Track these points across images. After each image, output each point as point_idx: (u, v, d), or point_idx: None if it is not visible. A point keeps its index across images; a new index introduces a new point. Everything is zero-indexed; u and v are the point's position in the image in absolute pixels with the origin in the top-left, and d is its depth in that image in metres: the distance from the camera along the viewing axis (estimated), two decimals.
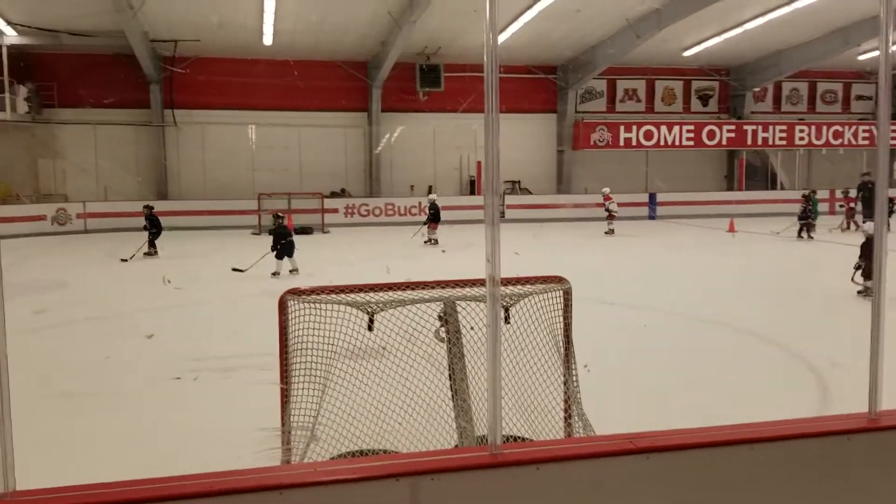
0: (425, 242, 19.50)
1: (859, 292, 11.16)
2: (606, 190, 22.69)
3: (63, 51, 23.02)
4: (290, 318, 4.20)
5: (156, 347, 8.59)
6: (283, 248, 14.00)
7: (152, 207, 17.30)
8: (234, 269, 14.32)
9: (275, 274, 13.90)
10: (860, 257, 11.28)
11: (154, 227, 16.83)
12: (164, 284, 12.60)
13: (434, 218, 19.73)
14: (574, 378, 4.39)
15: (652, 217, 27.65)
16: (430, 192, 25.20)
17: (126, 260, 15.93)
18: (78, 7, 19.63)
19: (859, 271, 11.19)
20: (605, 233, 21.88)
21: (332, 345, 4.16)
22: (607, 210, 22.14)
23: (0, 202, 21.85)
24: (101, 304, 11.80)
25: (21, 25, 21.07)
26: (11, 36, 21.22)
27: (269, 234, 14.76)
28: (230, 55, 25.00)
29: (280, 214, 14.79)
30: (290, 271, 14.12)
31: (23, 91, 22.66)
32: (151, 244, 16.77)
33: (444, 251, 17.56)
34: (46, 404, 6.53)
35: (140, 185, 24.93)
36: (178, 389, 7.03)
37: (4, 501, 2.13)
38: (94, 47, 22.87)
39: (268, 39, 23.06)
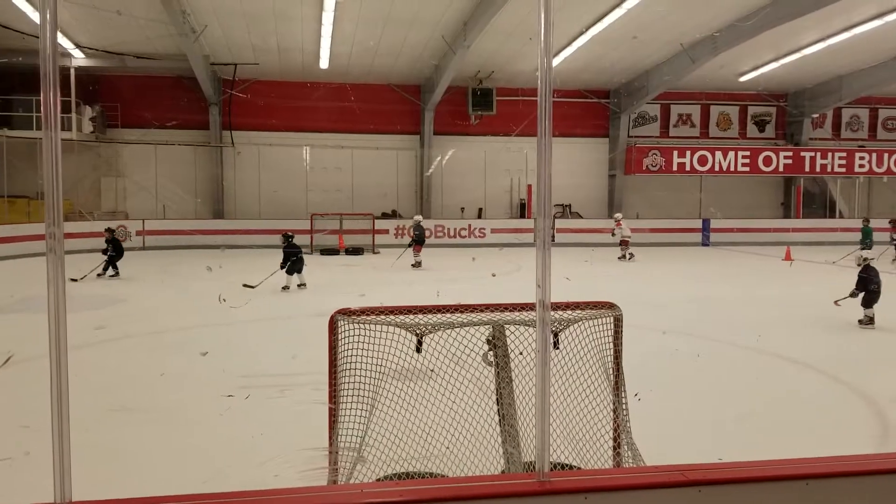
0: (413, 266, 19.22)
1: (860, 321, 10.97)
2: (619, 216, 22.47)
3: (127, 73, 23.87)
4: (339, 337, 4.22)
5: (210, 364, 8.73)
6: (293, 264, 14.79)
7: (114, 230, 17.32)
8: (245, 286, 14.74)
9: (284, 288, 14.76)
10: (857, 285, 11.02)
11: (115, 251, 16.67)
12: (220, 303, 12.85)
13: (419, 240, 19.48)
14: (624, 406, 4.32)
15: (705, 244, 27.19)
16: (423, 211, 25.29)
17: (76, 280, 15.70)
18: (143, 31, 20.35)
19: (853, 298, 11.03)
20: (619, 258, 21.57)
21: (381, 365, 4.17)
22: (620, 241, 21.80)
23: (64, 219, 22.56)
24: (158, 320, 12.07)
25: (89, 48, 21.91)
26: (80, 58, 22.06)
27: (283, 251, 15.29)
28: (287, 78, 25.58)
29: (289, 234, 15.56)
30: (299, 286, 14.92)
31: (88, 112, 23.48)
32: (109, 266, 16.58)
33: (494, 274, 17.54)
34: (103, 418, 6.68)
35: (198, 204, 25.57)
36: (231, 406, 7.13)
37: None
38: (157, 70, 23.67)
39: (324, 63, 23.53)
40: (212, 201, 25.78)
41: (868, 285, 10.87)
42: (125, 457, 5.88)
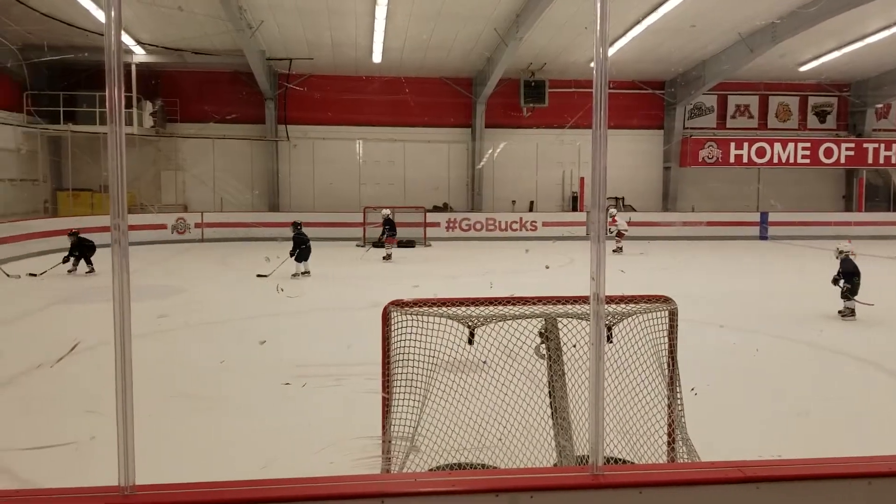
0: (384, 259, 19.17)
1: (840, 312, 11.06)
2: (613, 211, 22.17)
3: (186, 68, 24.38)
4: (392, 328, 4.27)
5: (268, 353, 8.91)
6: (301, 252, 15.62)
7: (76, 232, 16.34)
8: (259, 276, 15.36)
9: (294, 276, 15.48)
10: (840, 275, 11.11)
11: (82, 249, 15.98)
12: (278, 293, 13.09)
13: (391, 232, 19.45)
14: (679, 401, 4.26)
15: (763, 237, 26.56)
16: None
17: (35, 275, 15.54)
18: (201, 27, 20.76)
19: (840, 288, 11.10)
20: (614, 251, 21.22)
21: (433, 356, 4.20)
22: (617, 233, 21.50)
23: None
24: (217, 309, 12.37)
25: (149, 45, 22.46)
26: (140, 55, 22.62)
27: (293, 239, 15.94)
28: (341, 72, 25.81)
29: (298, 223, 16.30)
30: (303, 273, 15.68)
31: (149, 107, 24.08)
32: (80, 261, 15.98)
33: (547, 266, 17.45)
34: (166, 404, 6.89)
35: (255, 197, 26.04)
36: (287, 394, 7.27)
37: (125, 496, 2.25)
38: (215, 65, 24.13)
39: (377, 57, 23.68)
40: (267, 194, 26.22)
41: (850, 277, 11.02)
42: (186, 442, 6.05)
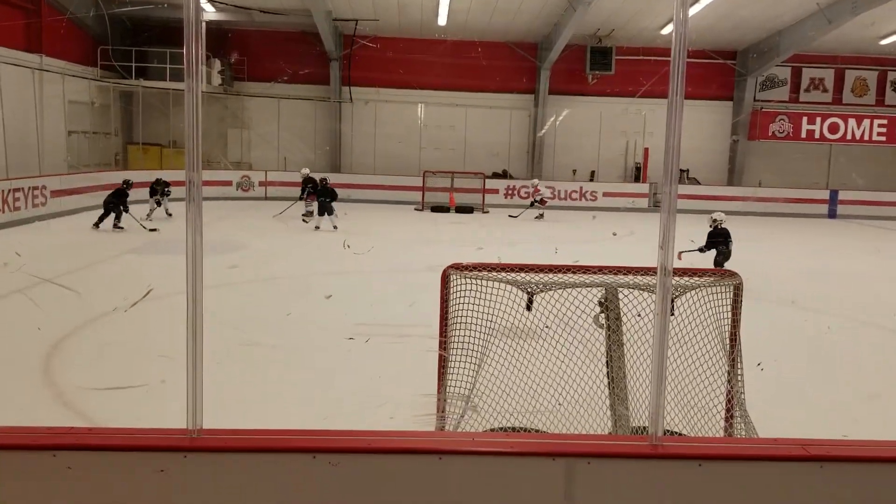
0: (304, 218, 18.43)
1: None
2: (535, 181, 22.29)
3: (254, 27, 24.60)
4: (451, 291, 4.30)
5: (333, 308, 9.09)
6: (322, 205, 16.81)
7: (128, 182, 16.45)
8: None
9: (317, 228, 16.77)
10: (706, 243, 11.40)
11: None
12: (344, 249, 13.28)
13: (312, 190, 18.63)
14: (739, 377, 4.20)
15: (832, 216, 25.68)
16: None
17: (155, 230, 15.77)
18: None
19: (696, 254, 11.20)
20: (536, 218, 21.39)
21: (490, 321, 4.22)
22: (540, 200, 21.64)
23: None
24: (281, 264, 12.67)
25: (219, 2, 22.71)
26: (210, 12, 22.89)
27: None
28: (405, 35, 25.68)
29: (324, 178, 17.84)
30: (334, 227, 16.63)
31: (217, 65, 24.44)
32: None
33: (615, 233, 17.27)
34: (234, 351, 7.11)
35: (317, 157, 26.31)
36: (351, 349, 7.43)
37: (192, 438, 2.34)
38: (282, 24, 24.26)
39: (442, 19, 23.45)
40: (329, 155, 26.47)
41: (716, 245, 11.32)
42: (251, 389, 6.26)
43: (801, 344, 8.36)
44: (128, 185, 16.26)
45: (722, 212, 12.01)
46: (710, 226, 11.64)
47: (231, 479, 2.30)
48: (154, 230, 15.75)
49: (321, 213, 16.78)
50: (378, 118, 26.66)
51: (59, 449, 2.25)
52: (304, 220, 18.20)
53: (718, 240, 11.36)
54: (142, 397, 5.83)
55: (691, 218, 20.74)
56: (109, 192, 16.29)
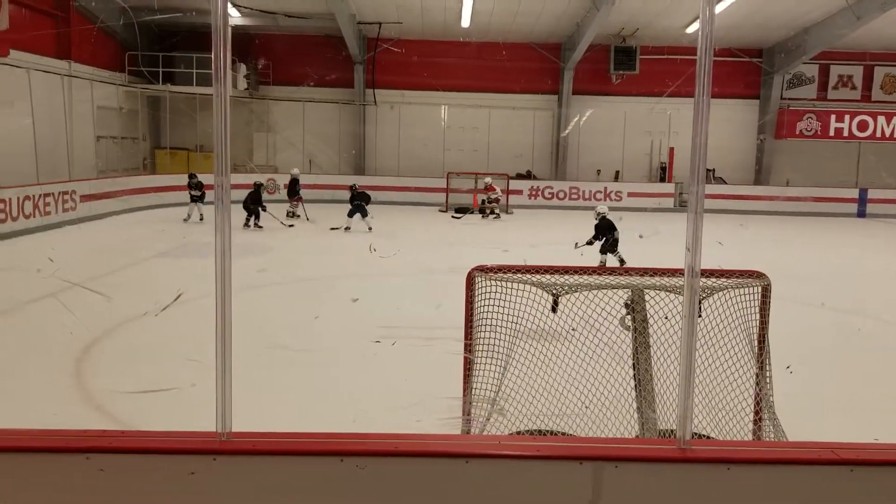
0: (288, 219, 18.82)
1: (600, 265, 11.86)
2: (488, 180, 21.89)
3: (279, 32, 24.79)
4: (476, 293, 4.29)
5: (360, 311, 9.14)
6: (355, 208, 17.04)
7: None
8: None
9: (346, 229, 16.93)
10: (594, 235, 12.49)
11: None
12: (371, 252, 13.35)
13: (298, 193, 19.40)
14: (768, 379, 4.16)
15: (861, 215, 25.28)
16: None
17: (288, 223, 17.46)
18: None
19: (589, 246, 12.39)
20: (493, 218, 21.31)
21: (516, 323, 4.21)
22: (493, 200, 21.45)
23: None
24: (309, 268, 12.77)
25: (245, 7, 22.92)
26: (236, 17, 23.11)
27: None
28: (429, 37, 25.74)
29: (355, 185, 18.30)
30: (369, 229, 16.94)
31: (243, 69, 24.68)
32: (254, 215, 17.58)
33: (641, 236, 17.16)
34: (263, 355, 7.18)
35: (342, 160, 26.44)
36: (378, 352, 7.47)
37: (221, 441, 2.37)
38: (307, 29, 24.44)
39: (465, 22, 23.47)
40: (354, 157, 26.59)
41: (604, 234, 12.48)
42: (280, 392, 6.31)
43: (831, 345, 8.25)
44: (261, 186, 18.15)
45: (605, 205, 13.43)
46: (596, 219, 12.66)
47: (259, 481, 2.32)
48: (291, 226, 17.81)
49: (352, 215, 17.02)
50: (402, 120, 26.75)
51: (91, 451, 2.29)
52: (283, 222, 18.12)
53: (605, 230, 12.54)
54: (172, 400, 5.90)
55: (719, 218, 20.73)
56: (247, 193, 17.80)
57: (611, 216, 12.64)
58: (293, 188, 19.63)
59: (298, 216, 19.16)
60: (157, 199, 20.67)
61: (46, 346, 7.51)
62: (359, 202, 17.14)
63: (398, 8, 23.03)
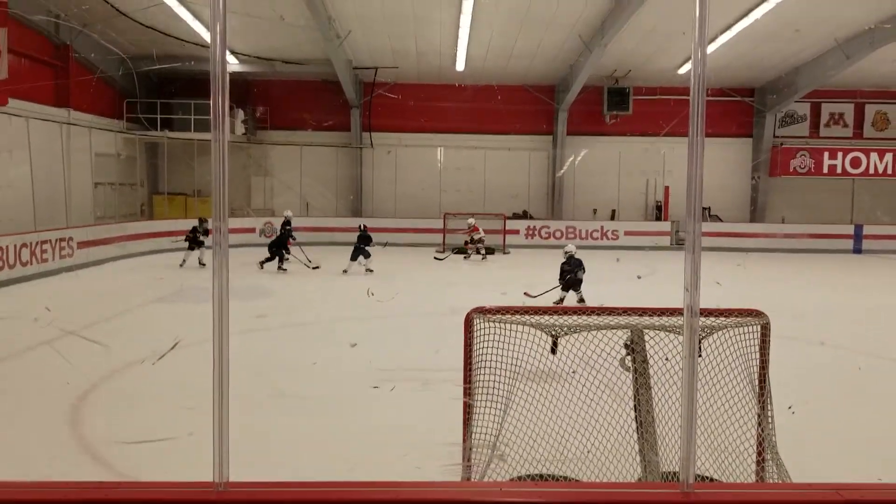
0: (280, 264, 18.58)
1: (555, 302, 12.02)
2: (472, 221, 21.75)
3: (277, 77, 25.11)
4: (475, 335, 4.28)
5: (358, 356, 9.09)
6: (357, 250, 17.12)
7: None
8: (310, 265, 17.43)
9: (344, 272, 16.88)
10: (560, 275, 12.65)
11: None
12: (368, 297, 13.33)
13: (291, 234, 18.93)
14: (770, 419, 4.13)
15: (857, 251, 25.37)
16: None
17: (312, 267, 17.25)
18: (292, 38, 21.35)
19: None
20: (481, 259, 21.00)
21: (516, 365, 4.19)
22: (477, 240, 21.21)
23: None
24: (307, 311, 12.73)
25: (243, 55, 23.25)
26: (234, 64, 23.42)
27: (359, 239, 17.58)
28: (424, 81, 26.08)
29: (363, 226, 18.11)
30: (367, 270, 17.09)
31: (241, 114, 24.92)
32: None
33: (639, 276, 17.14)
34: (261, 402, 7.13)
35: (339, 203, 26.56)
36: (376, 397, 7.41)
37: (219, 492, 2.33)
38: (304, 74, 24.77)
39: (460, 65, 23.82)
40: (351, 200, 26.72)
41: (566, 275, 12.66)
42: (278, 440, 6.23)
43: (832, 384, 8.21)
44: (287, 228, 18.36)
45: (573, 244, 13.77)
46: (565, 258, 12.85)
47: None
48: (317, 267, 17.78)
49: (354, 258, 17.09)
50: (399, 162, 26.95)
51: None
52: (307, 264, 18.04)
53: (570, 268, 12.71)
54: (169, 450, 5.83)
55: (716, 255, 20.75)
56: (271, 238, 18.76)
57: (579, 255, 12.87)
58: (287, 230, 19.42)
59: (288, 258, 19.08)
60: (154, 244, 20.72)
61: (42, 395, 7.44)
62: (359, 245, 17.23)
63: (394, 53, 23.38)
